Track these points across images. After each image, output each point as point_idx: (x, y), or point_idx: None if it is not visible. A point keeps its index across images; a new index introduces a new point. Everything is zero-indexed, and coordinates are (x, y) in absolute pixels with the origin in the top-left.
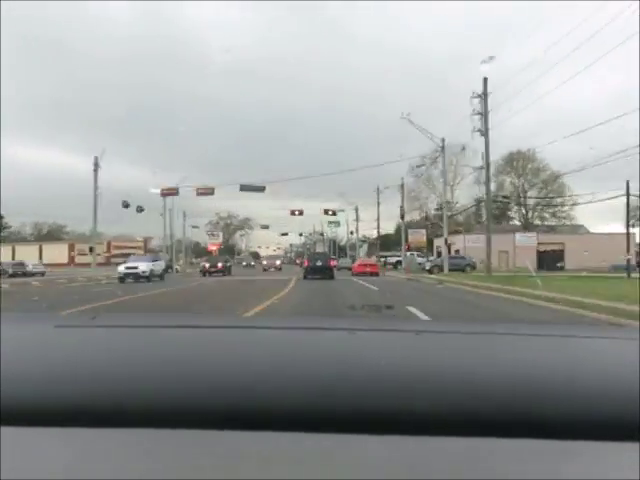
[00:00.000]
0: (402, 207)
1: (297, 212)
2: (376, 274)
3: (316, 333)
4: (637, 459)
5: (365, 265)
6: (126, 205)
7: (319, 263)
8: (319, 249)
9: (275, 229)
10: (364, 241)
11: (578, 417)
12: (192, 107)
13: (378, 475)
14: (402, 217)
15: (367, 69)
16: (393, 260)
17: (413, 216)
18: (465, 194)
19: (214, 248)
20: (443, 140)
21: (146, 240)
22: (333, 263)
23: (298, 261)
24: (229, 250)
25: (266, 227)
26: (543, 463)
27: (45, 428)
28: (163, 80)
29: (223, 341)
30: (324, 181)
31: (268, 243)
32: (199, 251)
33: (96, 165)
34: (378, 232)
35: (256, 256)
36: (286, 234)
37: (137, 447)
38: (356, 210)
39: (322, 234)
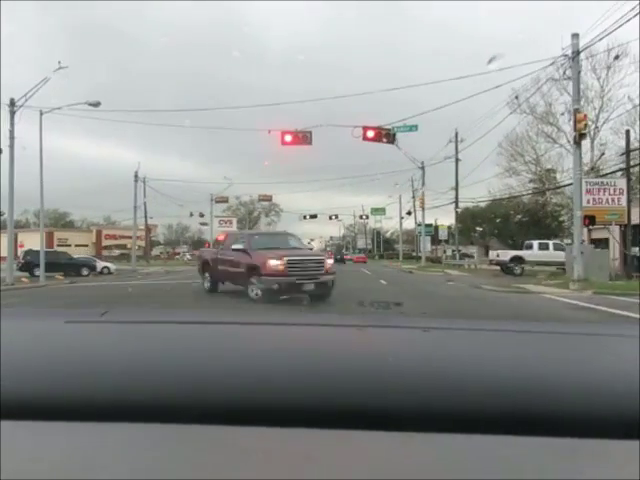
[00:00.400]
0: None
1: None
2: (365, 262)
3: (325, 330)
4: (637, 457)
5: (359, 258)
6: None
7: (338, 256)
8: (360, 242)
9: (321, 219)
10: (430, 225)
11: (578, 414)
12: (246, 97)
13: (384, 471)
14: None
15: (433, 53)
16: (506, 257)
17: (510, 183)
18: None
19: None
20: None
21: (149, 228)
22: (346, 257)
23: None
24: None
25: (268, 200)
26: (544, 460)
27: (56, 422)
28: (219, 70)
29: (231, 337)
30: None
31: (312, 235)
32: (200, 243)
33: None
34: (456, 205)
35: None
36: (315, 216)
37: (144, 442)
38: (422, 170)
39: (363, 216)
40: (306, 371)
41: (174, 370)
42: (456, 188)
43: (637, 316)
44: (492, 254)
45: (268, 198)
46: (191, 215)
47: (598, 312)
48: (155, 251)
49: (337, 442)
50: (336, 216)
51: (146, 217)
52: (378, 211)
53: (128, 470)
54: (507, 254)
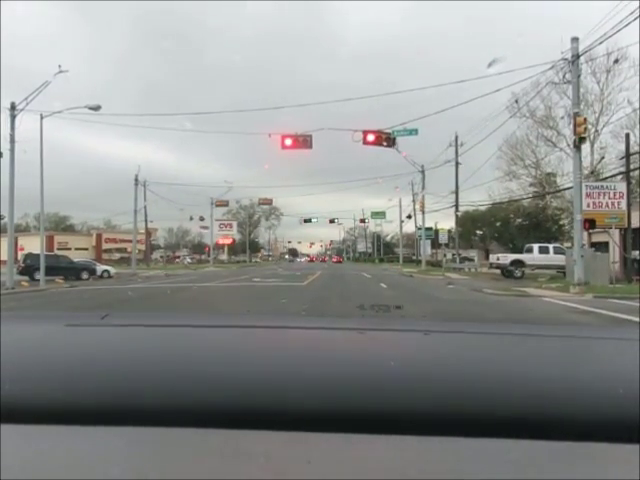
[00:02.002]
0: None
1: None
2: (340, 262)
3: (326, 333)
4: (637, 460)
5: (338, 259)
6: None
7: (334, 259)
8: (360, 246)
9: (322, 223)
10: (430, 229)
11: (578, 418)
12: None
13: (385, 475)
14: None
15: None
16: (506, 261)
17: (510, 187)
18: (612, 145)
19: (227, 242)
20: None
21: (149, 232)
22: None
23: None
24: (250, 245)
25: (268, 203)
26: (543, 464)
27: (56, 426)
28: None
29: (233, 340)
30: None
31: (312, 239)
32: (200, 247)
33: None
34: (457, 208)
35: (294, 253)
36: (309, 220)
37: (145, 445)
38: (422, 174)
39: (364, 220)
40: (306, 374)
41: (175, 373)
42: (456, 192)
43: (637, 319)
44: (492, 258)
45: (268, 202)
46: (191, 219)
47: (598, 315)
48: (155, 255)
49: (338, 446)
50: (333, 220)
51: (146, 221)
52: (378, 215)
53: (129, 474)
54: (507, 257)
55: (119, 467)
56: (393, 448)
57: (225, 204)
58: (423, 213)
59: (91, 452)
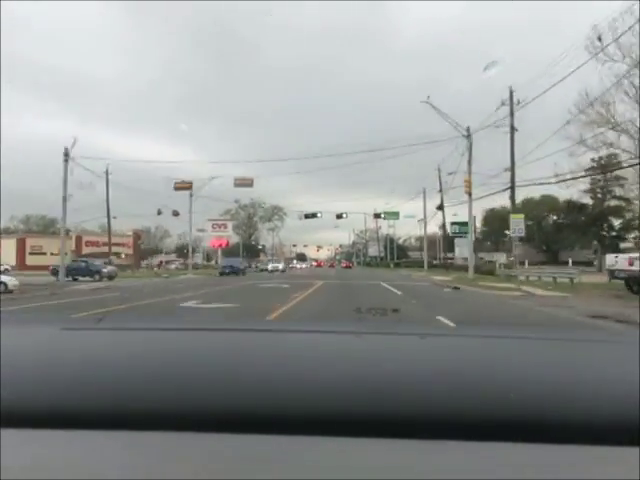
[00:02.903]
0: None
1: None
2: (350, 268)
3: (322, 336)
4: (637, 464)
5: (347, 264)
6: None
7: (343, 264)
8: (371, 249)
9: (329, 225)
10: (465, 224)
11: (578, 421)
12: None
13: (382, 478)
14: None
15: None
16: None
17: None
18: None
19: (220, 245)
20: None
21: (136, 234)
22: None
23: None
24: (249, 249)
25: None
26: (543, 467)
27: (54, 430)
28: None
29: (228, 344)
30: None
31: (320, 243)
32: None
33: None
34: (512, 190)
35: (302, 257)
36: (314, 215)
37: (141, 450)
38: (468, 137)
39: (378, 215)
40: (304, 378)
41: (172, 377)
42: (512, 167)
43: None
44: (609, 260)
45: (248, 182)
46: (159, 213)
47: None
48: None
49: (337, 449)
50: (340, 216)
51: (109, 217)
52: (391, 215)
53: (126, 478)
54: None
55: (118, 471)
56: (392, 452)
57: (188, 187)
58: (470, 196)
59: (90, 456)
